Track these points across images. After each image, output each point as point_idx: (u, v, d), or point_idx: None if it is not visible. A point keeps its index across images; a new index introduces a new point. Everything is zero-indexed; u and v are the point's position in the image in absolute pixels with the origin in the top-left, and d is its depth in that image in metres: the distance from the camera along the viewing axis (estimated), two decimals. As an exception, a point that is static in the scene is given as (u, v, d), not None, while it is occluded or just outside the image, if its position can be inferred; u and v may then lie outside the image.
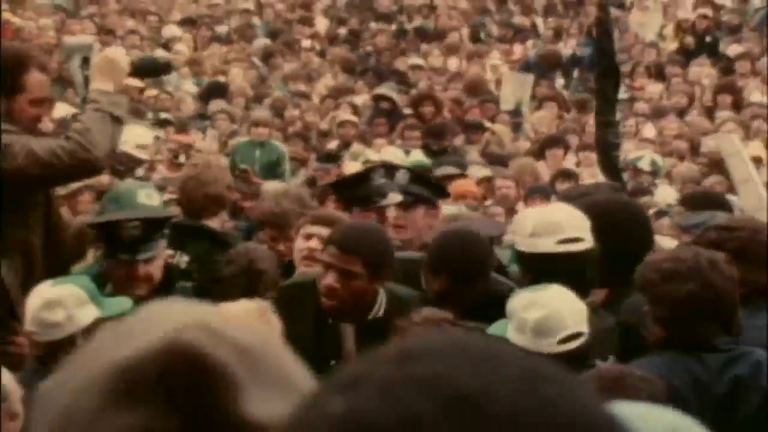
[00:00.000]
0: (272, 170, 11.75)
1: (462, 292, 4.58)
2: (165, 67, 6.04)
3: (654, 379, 3.48)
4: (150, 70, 5.83)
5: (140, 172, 9.63)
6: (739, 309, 4.06)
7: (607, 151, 7.01)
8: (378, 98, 15.22)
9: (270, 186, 8.79)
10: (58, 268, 4.94)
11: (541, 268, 4.36)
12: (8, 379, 3.62)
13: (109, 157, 5.15)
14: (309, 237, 5.23)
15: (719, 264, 4.03)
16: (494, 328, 4.20)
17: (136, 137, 9.83)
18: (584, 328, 4.05)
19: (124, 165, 9.38)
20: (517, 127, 14.99)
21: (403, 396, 0.79)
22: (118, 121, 5.09)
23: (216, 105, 14.93)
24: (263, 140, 12.33)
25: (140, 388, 1.01)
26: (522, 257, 4.52)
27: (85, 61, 6.45)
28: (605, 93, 7.02)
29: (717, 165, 12.05)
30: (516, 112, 15.36)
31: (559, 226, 4.47)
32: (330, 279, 4.50)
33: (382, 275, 4.56)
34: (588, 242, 4.46)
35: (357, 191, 5.72)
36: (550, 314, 4.01)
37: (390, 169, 6.02)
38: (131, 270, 4.83)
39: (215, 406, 1.02)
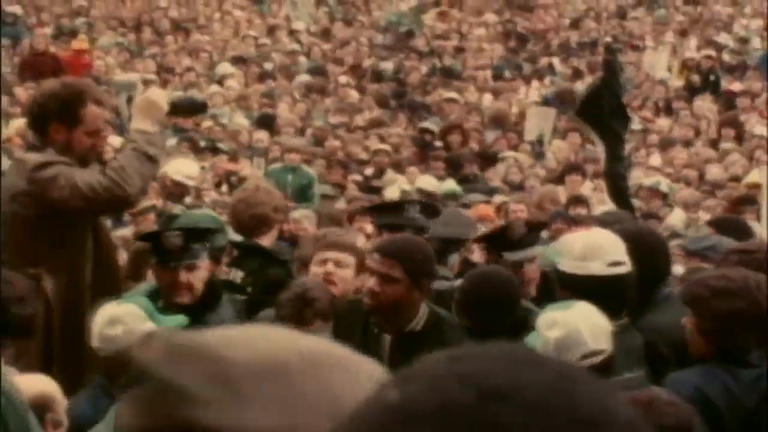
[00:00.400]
0: (303, 193, 11.81)
1: (489, 330, 4.49)
2: (202, 107, 5.99)
3: (681, 405, 3.41)
4: (187, 109, 5.79)
5: (188, 199, 9.69)
6: None
7: (616, 181, 7.03)
8: (423, 131, 15.46)
9: (297, 214, 8.81)
10: (108, 287, 4.94)
11: (588, 289, 4.27)
12: (55, 390, 3.61)
13: (143, 192, 5.17)
14: (324, 262, 5.17)
15: (762, 284, 4.02)
16: (529, 340, 4.13)
17: (184, 168, 9.91)
18: (604, 345, 3.96)
19: (175, 193, 9.45)
20: (539, 156, 15.01)
21: (447, 388, 0.83)
22: (152, 160, 5.10)
23: (259, 135, 14.97)
24: (295, 165, 12.38)
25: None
26: (568, 279, 4.42)
27: (130, 100, 6.42)
28: (614, 130, 7.00)
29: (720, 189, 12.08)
30: (538, 142, 15.37)
31: (605, 249, 4.44)
32: (372, 283, 4.43)
33: (422, 284, 4.44)
34: (628, 265, 4.42)
35: (390, 219, 5.62)
36: (570, 333, 3.94)
37: (427, 206, 5.93)
38: (174, 276, 4.81)
39: (165, 412, 1.07)
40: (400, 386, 0.86)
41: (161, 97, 5.32)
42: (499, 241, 5.53)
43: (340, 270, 5.11)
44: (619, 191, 6.93)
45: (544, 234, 7.72)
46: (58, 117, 5.05)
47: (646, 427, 0.86)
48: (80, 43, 18.36)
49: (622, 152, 7.11)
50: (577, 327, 3.95)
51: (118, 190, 4.94)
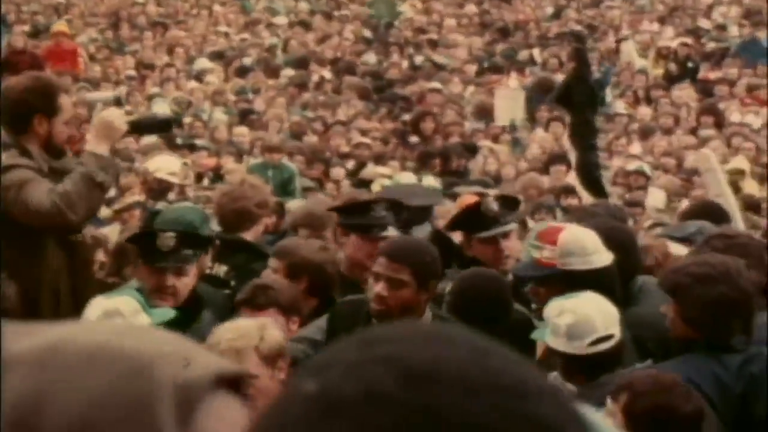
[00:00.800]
0: (285, 188, 11.84)
1: (482, 332, 4.44)
2: (165, 125, 5.75)
3: (696, 394, 3.46)
4: (150, 127, 5.63)
5: (172, 196, 9.71)
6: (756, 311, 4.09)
7: (591, 170, 7.06)
8: (405, 123, 15.43)
9: (293, 204, 8.86)
10: (84, 294, 4.87)
11: (597, 282, 4.30)
12: None
13: (88, 217, 5.07)
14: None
15: (743, 269, 4.06)
16: (537, 333, 4.20)
17: (166, 165, 9.93)
18: (615, 331, 3.99)
19: (158, 190, 9.46)
20: (515, 143, 15.07)
21: (367, 374, 0.82)
22: (101, 187, 5.00)
23: (240, 130, 15.00)
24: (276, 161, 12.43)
25: None
26: (580, 276, 4.38)
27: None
28: (586, 119, 7.03)
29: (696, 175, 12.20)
30: (513, 128, 15.42)
31: (600, 241, 4.51)
32: (379, 287, 4.37)
33: (429, 286, 4.41)
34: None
35: (357, 219, 5.54)
36: (580, 319, 3.97)
37: (393, 204, 5.75)
38: (161, 278, 4.73)
39: None
40: (316, 375, 0.85)
41: (119, 118, 5.20)
42: (471, 221, 5.47)
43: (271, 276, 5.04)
44: (594, 180, 6.95)
45: (532, 224, 7.75)
46: (40, 109, 5.05)
47: (559, 392, 0.87)
48: (59, 26, 18.33)
49: (595, 141, 7.15)
50: (587, 313, 3.98)
51: (59, 218, 4.89)
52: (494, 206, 5.46)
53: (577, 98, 6.70)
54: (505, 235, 5.45)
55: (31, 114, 5.06)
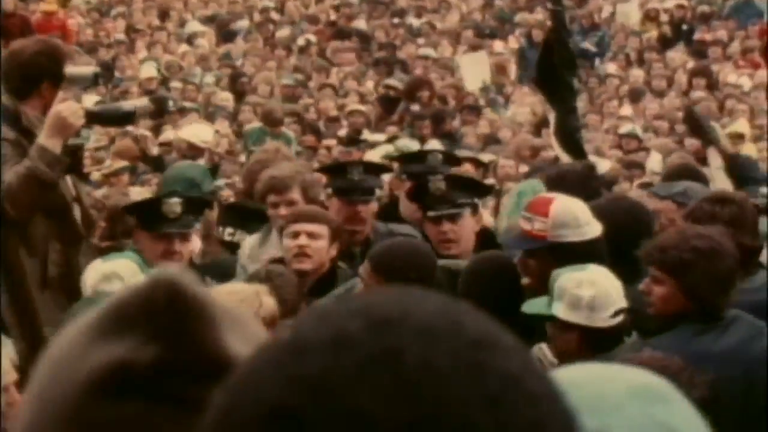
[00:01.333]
0: (282, 153, 11.98)
1: (491, 313, 4.43)
2: (126, 117, 5.50)
3: (700, 380, 3.50)
4: (110, 119, 5.53)
5: (202, 162, 9.89)
6: None
7: (571, 133, 7.09)
8: (387, 87, 15.41)
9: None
10: (76, 253, 5.00)
11: (589, 253, 4.29)
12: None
13: (30, 211, 4.99)
14: (296, 235, 5.00)
15: (730, 240, 4.10)
16: (531, 306, 4.18)
17: (199, 132, 10.23)
18: (625, 303, 4.06)
19: (189, 156, 9.70)
20: (493, 103, 15.21)
21: (337, 320, 0.88)
22: (45, 185, 4.92)
23: (224, 95, 15.14)
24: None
25: (124, 320, 1.03)
26: (572, 249, 4.35)
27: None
28: (566, 81, 7.08)
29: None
30: (485, 90, 15.53)
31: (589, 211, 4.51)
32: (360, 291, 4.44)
33: None
34: None
35: (336, 182, 5.50)
36: (601, 291, 4.01)
37: (371, 167, 5.72)
38: (168, 244, 4.77)
39: (193, 335, 1.03)
40: (292, 328, 0.93)
41: (75, 112, 5.01)
42: (420, 194, 5.39)
43: (313, 242, 4.98)
44: (574, 142, 7.01)
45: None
46: (49, 75, 5.04)
47: (526, 351, 0.92)
48: (48, 5, 18.43)
49: (574, 103, 7.22)
50: (606, 285, 4.03)
51: None
52: (442, 185, 5.28)
53: (557, 60, 6.74)
54: (452, 218, 5.24)
55: (41, 79, 5.05)
